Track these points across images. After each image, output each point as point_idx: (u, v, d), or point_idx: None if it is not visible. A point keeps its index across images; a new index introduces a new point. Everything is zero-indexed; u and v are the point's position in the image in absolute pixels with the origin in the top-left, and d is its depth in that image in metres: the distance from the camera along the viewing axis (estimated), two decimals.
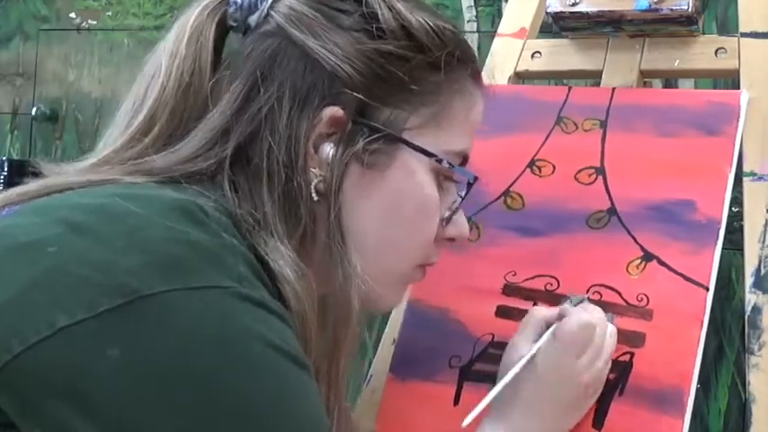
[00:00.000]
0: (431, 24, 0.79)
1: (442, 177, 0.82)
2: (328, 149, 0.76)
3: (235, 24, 0.81)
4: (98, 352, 0.59)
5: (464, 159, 0.83)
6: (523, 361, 0.87)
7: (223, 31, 0.81)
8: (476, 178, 0.83)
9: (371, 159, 0.77)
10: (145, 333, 0.60)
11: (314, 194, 0.75)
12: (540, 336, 0.88)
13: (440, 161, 0.80)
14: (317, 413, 0.67)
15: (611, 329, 0.90)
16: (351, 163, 0.76)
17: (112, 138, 0.79)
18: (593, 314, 0.89)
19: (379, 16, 0.77)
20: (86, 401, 0.59)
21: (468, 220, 0.88)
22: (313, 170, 0.76)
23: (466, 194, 0.84)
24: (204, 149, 0.75)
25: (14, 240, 0.64)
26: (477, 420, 0.86)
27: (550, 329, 0.88)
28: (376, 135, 0.77)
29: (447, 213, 0.83)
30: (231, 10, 0.80)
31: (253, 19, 0.79)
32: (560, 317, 0.89)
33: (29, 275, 0.61)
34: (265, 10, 0.79)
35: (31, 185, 0.74)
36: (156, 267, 0.62)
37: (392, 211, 0.79)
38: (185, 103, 0.77)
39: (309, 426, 0.66)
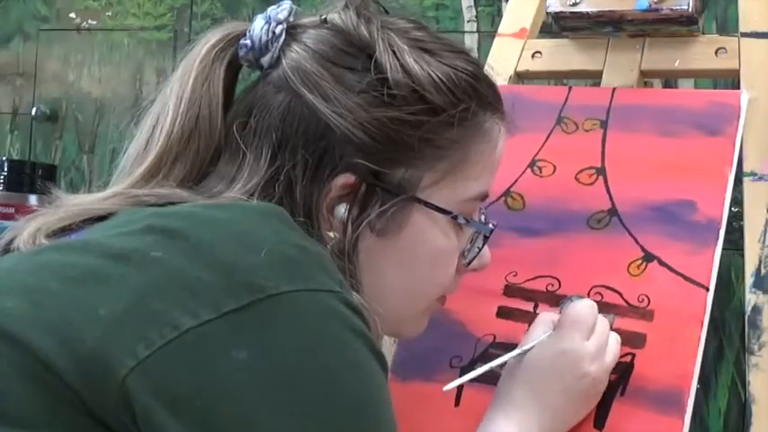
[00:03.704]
0: (444, 80, 0.76)
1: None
2: (342, 211, 0.76)
3: (247, 65, 0.80)
4: (223, 353, 0.59)
5: (484, 197, 0.83)
6: (523, 349, 0.87)
7: (233, 68, 0.80)
8: (492, 231, 0.84)
9: (385, 225, 0.76)
10: (272, 333, 0.60)
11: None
12: None
13: (455, 218, 0.79)
14: (394, 418, 0.67)
15: (617, 336, 0.90)
16: (364, 227, 0.76)
17: (119, 181, 0.78)
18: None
19: (390, 79, 0.75)
20: (211, 404, 0.58)
21: None
22: (328, 233, 0.75)
23: (483, 245, 0.84)
24: None
25: (110, 250, 0.63)
26: (477, 415, 0.86)
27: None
28: (390, 200, 0.76)
29: (469, 258, 0.83)
30: (242, 52, 0.79)
31: (265, 60, 0.78)
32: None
33: (140, 281, 0.61)
34: (276, 52, 0.78)
35: (74, 209, 0.73)
36: (277, 268, 0.62)
37: (408, 266, 0.80)
38: (192, 149, 0.77)
39: (393, 427, 0.66)
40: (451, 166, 0.78)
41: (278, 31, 0.78)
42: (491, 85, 0.82)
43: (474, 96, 0.79)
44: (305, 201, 0.74)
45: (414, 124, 0.75)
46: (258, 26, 0.78)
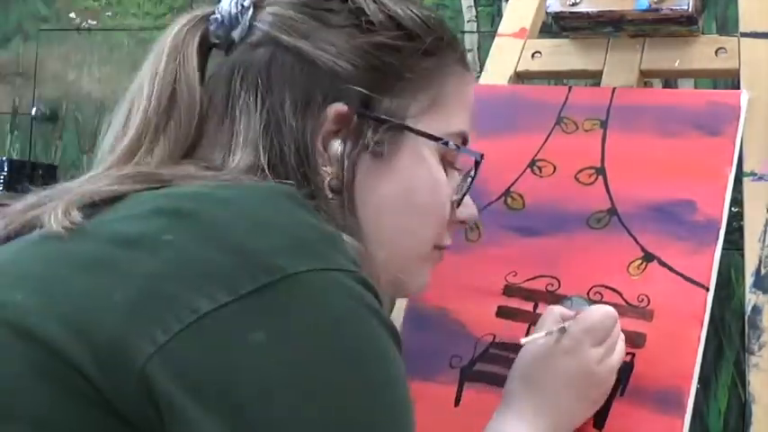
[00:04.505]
0: (416, 13, 0.80)
1: (447, 162, 0.82)
2: (337, 146, 0.76)
3: (218, 41, 0.80)
4: (241, 335, 0.58)
5: (464, 140, 0.84)
6: (539, 334, 0.87)
7: (205, 49, 0.81)
8: (482, 156, 0.84)
9: (380, 149, 0.78)
10: (290, 313, 0.60)
11: (329, 193, 0.75)
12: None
13: (446, 143, 0.81)
14: (409, 392, 0.67)
15: (623, 336, 0.90)
16: (360, 156, 0.77)
17: (102, 159, 0.78)
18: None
19: (366, 10, 0.78)
20: (231, 387, 0.58)
21: None
22: (324, 168, 0.76)
23: (475, 174, 0.84)
24: (242, 169, 0.74)
25: (119, 235, 0.63)
26: (477, 414, 0.86)
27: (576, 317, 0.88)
28: (382, 126, 0.77)
29: (457, 196, 0.84)
30: (212, 27, 0.80)
31: (236, 33, 0.79)
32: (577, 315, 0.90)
33: (154, 266, 0.60)
34: (247, 22, 0.79)
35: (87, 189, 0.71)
36: (292, 248, 0.62)
37: (405, 198, 0.80)
38: (173, 121, 0.77)
39: (409, 406, 0.66)
40: (433, 99, 0.80)
41: (246, 3, 0.79)
42: (452, 32, 0.86)
43: (444, 31, 0.83)
44: (297, 137, 0.75)
45: (393, 48, 0.78)
46: (226, 2, 0.80)
